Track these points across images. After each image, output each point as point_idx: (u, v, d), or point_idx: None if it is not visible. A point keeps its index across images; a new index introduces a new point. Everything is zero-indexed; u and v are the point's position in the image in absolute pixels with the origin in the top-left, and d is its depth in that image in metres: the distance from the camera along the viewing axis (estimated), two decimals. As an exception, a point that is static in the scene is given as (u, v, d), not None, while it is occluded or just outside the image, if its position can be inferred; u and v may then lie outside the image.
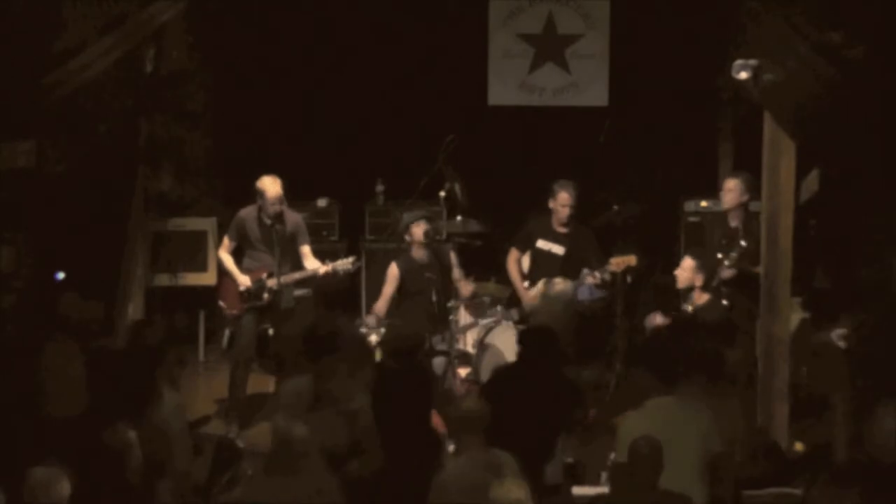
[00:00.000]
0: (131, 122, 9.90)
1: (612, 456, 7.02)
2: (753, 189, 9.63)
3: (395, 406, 7.44)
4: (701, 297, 9.40)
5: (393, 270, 10.04)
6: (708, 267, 9.42)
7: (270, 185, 9.63)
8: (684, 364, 7.26)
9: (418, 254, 10.01)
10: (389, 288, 10.04)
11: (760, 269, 9.34)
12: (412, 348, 8.01)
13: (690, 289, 9.43)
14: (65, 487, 5.84)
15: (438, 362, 9.80)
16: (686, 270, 9.43)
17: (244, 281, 9.72)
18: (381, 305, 10.00)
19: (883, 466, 5.99)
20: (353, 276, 11.11)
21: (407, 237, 10.05)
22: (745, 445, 7.48)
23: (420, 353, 8.33)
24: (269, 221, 9.70)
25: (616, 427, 7.10)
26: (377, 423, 7.30)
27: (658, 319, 9.45)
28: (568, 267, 10.06)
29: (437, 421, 7.66)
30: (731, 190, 9.76)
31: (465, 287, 10.06)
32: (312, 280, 9.98)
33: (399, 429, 7.32)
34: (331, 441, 6.91)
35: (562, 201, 10.05)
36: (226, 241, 9.95)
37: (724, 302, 9.46)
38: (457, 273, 10.15)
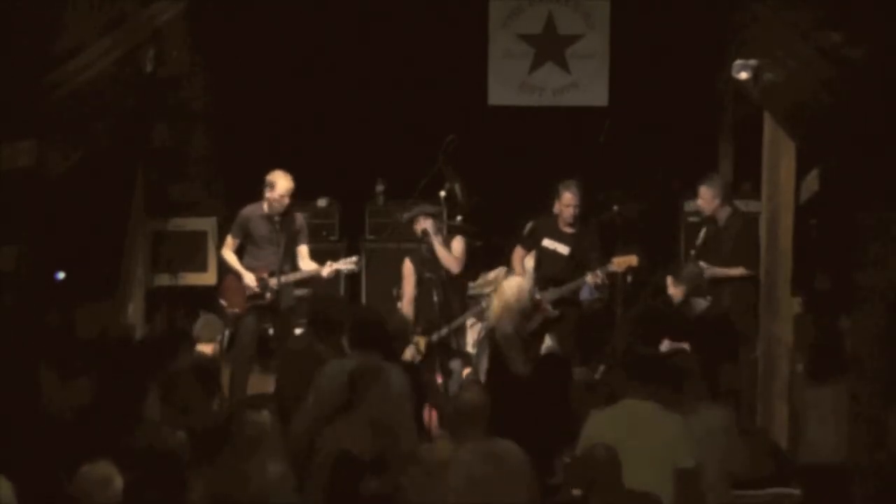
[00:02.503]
0: (131, 122, 9.90)
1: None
2: (724, 193, 10.04)
3: None
4: (699, 304, 9.46)
5: (407, 266, 10.03)
6: (683, 276, 9.48)
7: (281, 178, 9.65)
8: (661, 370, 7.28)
9: (424, 247, 10.01)
10: (409, 287, 10.00)
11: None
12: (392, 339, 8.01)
13: (682, 302, 9.50)
14: (118, 484, 5.88)
15: (456, 364, 9.78)
16: (670, 288, 9.52)
17: (250, 279, 9.72)
18: (408, 308, 9.95)
19: None
20: (352, 275, 11.12)
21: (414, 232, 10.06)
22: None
23: (400, 343, 8.33)
24: (273, 220, 9.70)
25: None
26: None
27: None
28: (572, 266, 10.05)
29: (429, 415, 7.64)
30: (701, 197, 10.14)
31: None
32: (314, 280, 9.98)
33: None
34: (354, 448, 6.88)
35: (566, 201, 10.04)
36: (229, 240, 9.95)
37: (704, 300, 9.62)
38: (443, 254, 9.99)
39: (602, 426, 6.72)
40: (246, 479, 6.36)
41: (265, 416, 6.62)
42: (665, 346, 9.21)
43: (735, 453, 7.04)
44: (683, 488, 6.56)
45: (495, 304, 9.04)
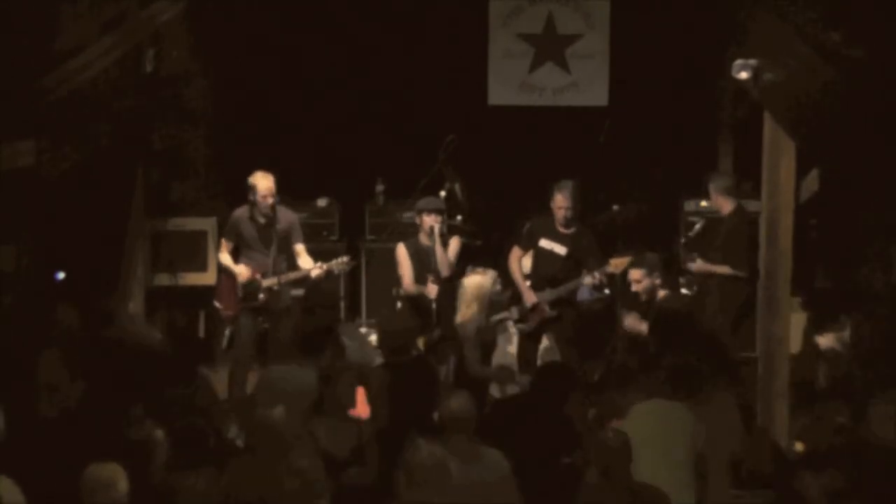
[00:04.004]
0: (131, 121, 9.90)
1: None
2: (725, 188, 10.09)
3: (399, 404, 7.45)
4: (661, 293, 9.45)
5: (401, 250, 10.04)
6: (650, 265, 9.48)
7: (261, 179, 9.67)
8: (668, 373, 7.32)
9: (425, 241, 10.03)
10: (406, 268, 10.01)
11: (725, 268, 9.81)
12: (404, 345, 8.04)
13: (653, 291, 9.49)
14: (123, 485, 5.89)
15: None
16: (640, 283, 9.47)
17: (242, 271, 9.72)
18: (409, 282, 9.97)
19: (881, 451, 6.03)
20: (352, 275, 11.13)
21: (417, 220, 10.08)
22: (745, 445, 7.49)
23: (413, 347, 8.36)
24: (262, 220, 9.72)
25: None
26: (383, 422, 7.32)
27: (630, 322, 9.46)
28: (568, 267, 10.05)
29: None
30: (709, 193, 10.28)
31: (431, 287, 9.94)
32: (308, 280, 9.98)
33: (402, 427, 7.32)
34: (333, 447, 6.91)
35: (558, 203, 10.03)
36: (223, 242, 9.97)
37: (684, 290, 9.62)
38: (441, 255, 10.02)
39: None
40: (274, 479, 6.36)
41: (279, 411, 6.61)
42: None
43: (734, 434, 7.06)
44: (705, 472, 6.67)
45: (460, 304, 9.07)
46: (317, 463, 6.60)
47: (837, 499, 6.12)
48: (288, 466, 6.43)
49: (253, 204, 9.72)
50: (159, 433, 6.63)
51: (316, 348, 7.86)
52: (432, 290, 9.83)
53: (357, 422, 7.32)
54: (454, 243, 10.14)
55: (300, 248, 9.87)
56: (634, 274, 9.49)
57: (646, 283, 9.45)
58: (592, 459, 6.37)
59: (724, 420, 7.19)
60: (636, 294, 9.52)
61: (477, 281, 9.23)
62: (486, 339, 9.18)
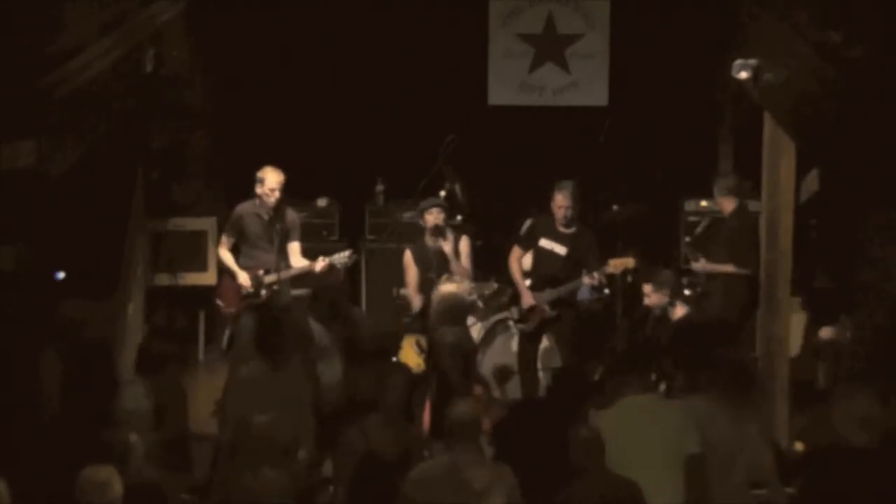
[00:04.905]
0: (131, 122, 9.91)
1: None
2: (728, 188, 10.03)
3: None
4: (679, 310, 9.45)
5: (408, 256, 10.15)
6: (662, 281, 9.49)
7: (271, 173, 9.68)
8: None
9: (430, 241, 10.06)
10: (412, 275, 10.13)
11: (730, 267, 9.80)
12: (389, 348, 8.07)
13: (665, 307, 9.49)
14: (118, 487, 5.90)
15: None
16: (651, 296, 9.53)
17: (244, 280, 9.73)
18: (413, 290, 10.13)
19: (850, 449, 6.03)
20: (352, 276, 11.13)
21: (420, 222, 10.13)
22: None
23: (395, 352, 8.41)
24: (266, 216, 9.72)
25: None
26: None
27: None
28: (568, 267, 10.06)
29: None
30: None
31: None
32: (310, 278, 9.98)
33: None
34: (381, 448, 6.93)
35: (558, 203, 10.03)
36: (224, 239, 9.98)
37: (687, 292, 9.65)
38: (455, 265, 10.05)
39: (605, 426, 6.72)
40: (248, 485, 6.39)
41: (263, 419, 6.64)
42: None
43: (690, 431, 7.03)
44: (692, 474, 6.60)
45: (433, 311, 9.09)
46: (285, 477, 6.62)
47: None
48: (262, 475, 6.45)
49: (259, 198, 9.73)
50: (133, 436, 6.64)
51: (272, 347, 7.89)
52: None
53: (398, 420, 7.35)
54: (464, 245, 10.19)
55: (295, 246, 9.85)
56: (645, 287, 9.58)
57: (654, 298, 9.50)
58: (570, 453, 6.37)
59: (752, 431, 7.10)
60: (647, 307, 9.58)
61: (449, 290, 9.23)
62: (466, 349, 9.16)
